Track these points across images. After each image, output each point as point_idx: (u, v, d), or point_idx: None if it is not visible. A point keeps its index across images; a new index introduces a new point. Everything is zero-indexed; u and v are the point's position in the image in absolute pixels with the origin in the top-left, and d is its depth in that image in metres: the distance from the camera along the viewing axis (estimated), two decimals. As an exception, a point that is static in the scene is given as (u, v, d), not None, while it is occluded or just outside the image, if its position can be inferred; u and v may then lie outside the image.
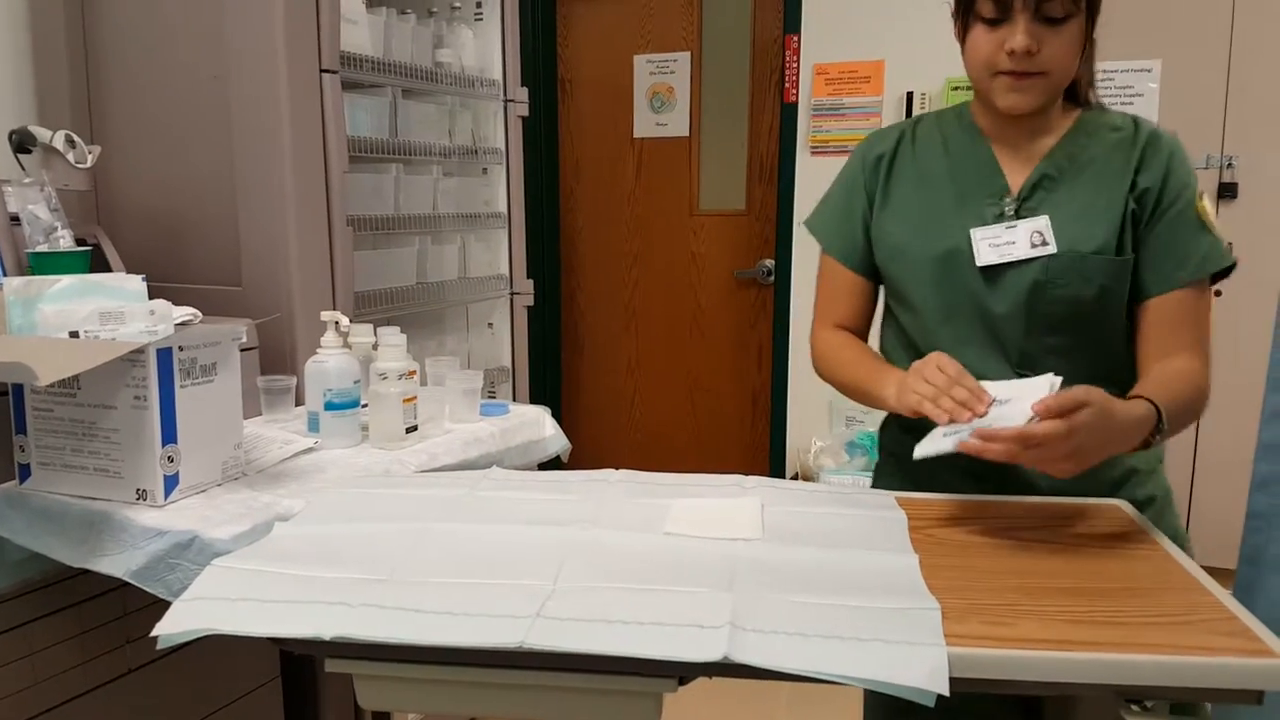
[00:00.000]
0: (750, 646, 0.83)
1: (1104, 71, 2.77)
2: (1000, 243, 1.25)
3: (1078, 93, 1.30)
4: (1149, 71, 2.71)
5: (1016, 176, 1.28)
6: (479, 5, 2.48)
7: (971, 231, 1.26)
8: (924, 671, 0.80)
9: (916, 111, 2.87)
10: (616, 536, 1.08)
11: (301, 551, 1.05)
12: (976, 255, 1.26)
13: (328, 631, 0.87)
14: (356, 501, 1.21)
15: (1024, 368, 1.26)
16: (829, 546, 1.06)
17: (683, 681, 0.87)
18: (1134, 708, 0.91)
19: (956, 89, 2.84)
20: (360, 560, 1.01)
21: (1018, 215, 1.26)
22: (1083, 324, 1.24)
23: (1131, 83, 2.74)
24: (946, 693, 0.79)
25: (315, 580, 0.96)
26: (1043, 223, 1.24)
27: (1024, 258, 1.23)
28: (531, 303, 2.64)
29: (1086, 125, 1.28)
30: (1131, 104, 2.75)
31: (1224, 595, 0.96)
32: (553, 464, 1.68)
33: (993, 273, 1.26)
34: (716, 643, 0.83)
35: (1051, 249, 1.22)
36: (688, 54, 3.44)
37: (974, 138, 1.31)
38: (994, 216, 1.26)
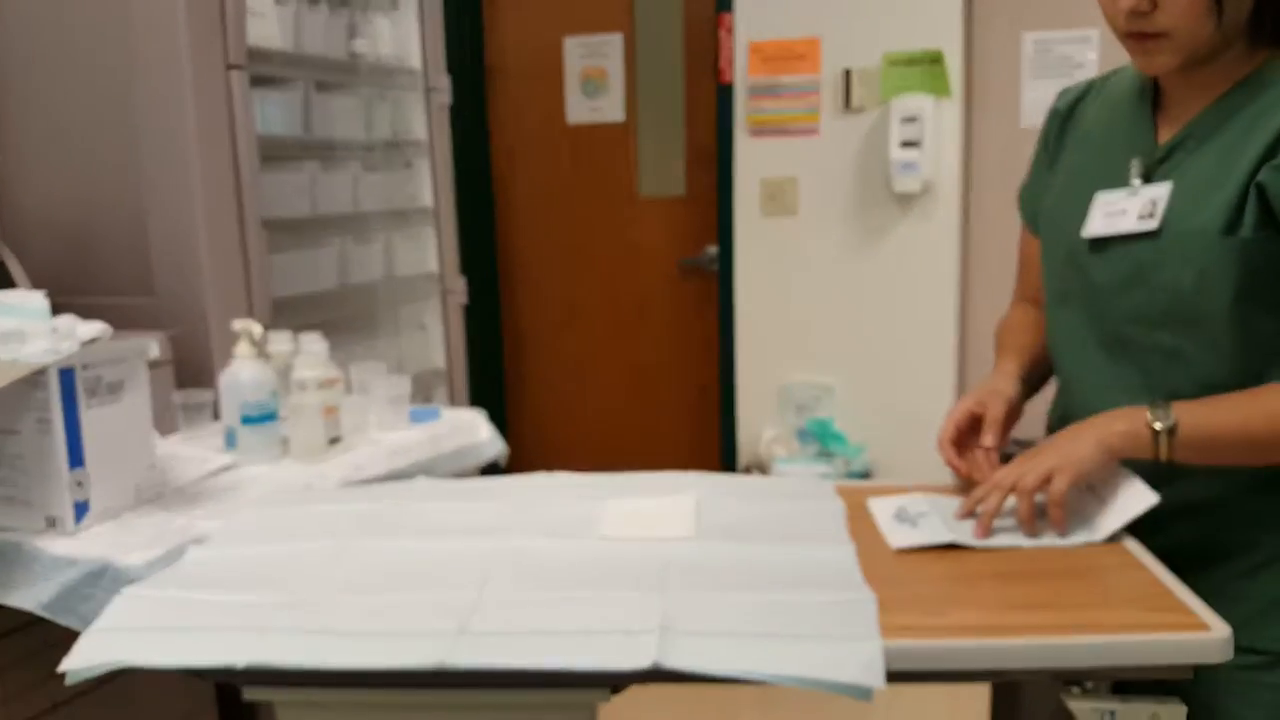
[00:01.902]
0: (681, 650, 0.81)
1: (1042, 42, 2.78)
2: (1114, 211, 1.07)
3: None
4: (1088, 40, 2.73)
5: (1170, 135, 1.09)
6: (394, -9, 2.42)
7: (1097, 194, 1.10)
8: (859, 667, 0.79)
9: (856, 90, 2.86)
10: (546, 543, 1.05)
11: (215, 576, 1.01)
12: (1087, 222, 1.09)
13: (241, 659, 0.83)
14: (273, 521, 1.18)
15: (1129, 365, 1.08)
16: (765, 541, 1.04)
17: (616, 690, 0.85)
18: (1074, 689, 0.90)
19: (894, 64, 2.83)
20: (275, 583, 0.97)
21: (1148, 180, 1.08)
22: (1183, 321, 1.03)
23: (1071, 53, 2.76)
24: (882, 686, 0.78)
25: (228, 606, 0.93)
26: (1161, 191, 1.05)
27: (1128, 231, 1.05)
28: (465, 301, 2.59)
29: (1270, 72, 1.04)
30: (1071, 75, 2.77)
31: (1160, 569, 0.96)
32: (492, 469, 1.64)
33: (1099, 246, 1.09)
34: (646, 649, 0.81)
35: (1154, 224, 1.03)
36: (619, 35, 3.39)
37: (1144, 89, 1.12)
38: (1128, 179, 1.09)
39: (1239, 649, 0.96)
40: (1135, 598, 0.90)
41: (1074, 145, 1.19)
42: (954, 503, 1.10)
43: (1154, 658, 0.84)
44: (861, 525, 1.09)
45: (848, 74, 2.87)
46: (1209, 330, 1.02)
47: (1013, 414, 1.17)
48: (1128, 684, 0.89)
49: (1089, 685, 0.91)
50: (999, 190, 2.88)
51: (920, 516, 1.08)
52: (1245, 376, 1.02)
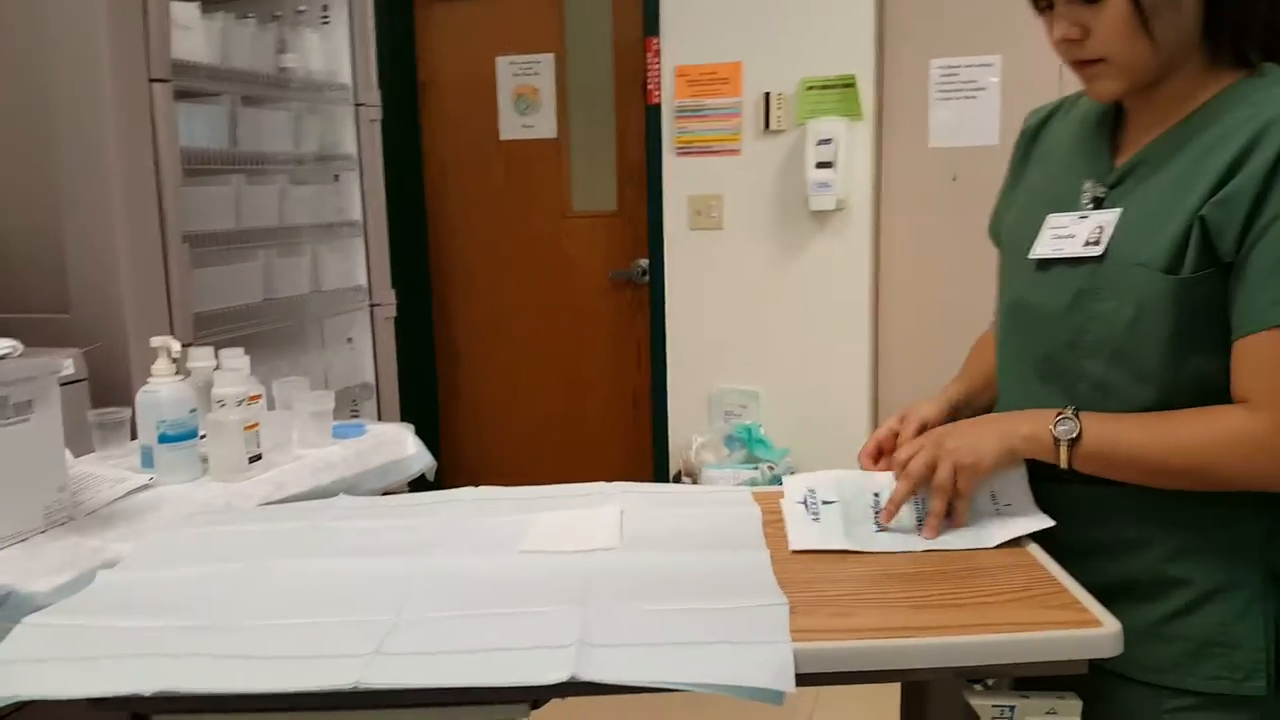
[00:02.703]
0: (598, 663, 0.82)
1: (948, 67, 2.87)
2: (1063, 234, 1.05)
3: (1241, 52, 1.00)
4: (990, 66, 2.83)
5: (1125, 160, 1.06)
6: (325, 8, 2.41)
7: (1048, 215, 1.08)
8: (770, 671, 0.81)
9: (775, 113, 2.93)
10: (467, 560, 1.05)
11: (125, 601, 0.99)
12: (1036, 243, 1.07)
13: (148, 687, 0.81)
14: (189, 542, 1.15)
15: (1059, 393, 1.06)
16: (685, 549, 1.06)
17: (536, 705, 0.86)
18: (976, 687, 0.93)
19: (810, 88, 2.90)
20: (188, 606, 0.96)
21: (1100, 205, 1.05)
22: (1116, 353, 1.01)
23: (974, 77, 2.86)
24: (793, 690, 0.80)
25: (138, 631, 0.91)
26: (1109, 218, 1.02)
27: (1072, 255, 1.03)
28: (394, 314, 2.58)
29: (1229, 98, 1.00)
30: (975, 98, 2.86)
31: (1054, 567, 0.99)
32: (420, 483, 1.63)
33: (1044, 267, 1.07)
34: (564, 663, 0.81)
35: (1097, 251, 1.01)
36: (551, 55, 3.41)
37: (1108, 111, 1.10)
38: (1080, 202, 1.07)
39: (1170, 691, 1.00)
40: (1033, 596, 0.92)
41: (1037, 164, 1.17)
42: (861, 485, 1.13)
43: (1050, 654, 0.86)
44: (778, 530, 1.11)
45: (767, 97, 2.94)
46: (1141, 364, 1.00)
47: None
48: (1029, 680, 0.92)
49: (990, 683, 0.95)
50: (908, 208, 2.97)
51: (825, 507, 1.11)
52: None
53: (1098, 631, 0.86)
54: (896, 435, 1.17)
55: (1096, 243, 1.01)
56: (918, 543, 1.05)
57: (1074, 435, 0.99)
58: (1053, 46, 1.02)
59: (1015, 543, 1.04)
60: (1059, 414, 1.00)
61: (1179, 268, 0.96)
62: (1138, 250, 0.99)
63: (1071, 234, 1.04)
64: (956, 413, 1.20)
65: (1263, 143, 0.94)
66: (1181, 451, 0.97)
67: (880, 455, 1.17)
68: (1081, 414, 1.00)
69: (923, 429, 1.15)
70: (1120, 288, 1.00)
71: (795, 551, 1.05)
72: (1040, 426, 1.01)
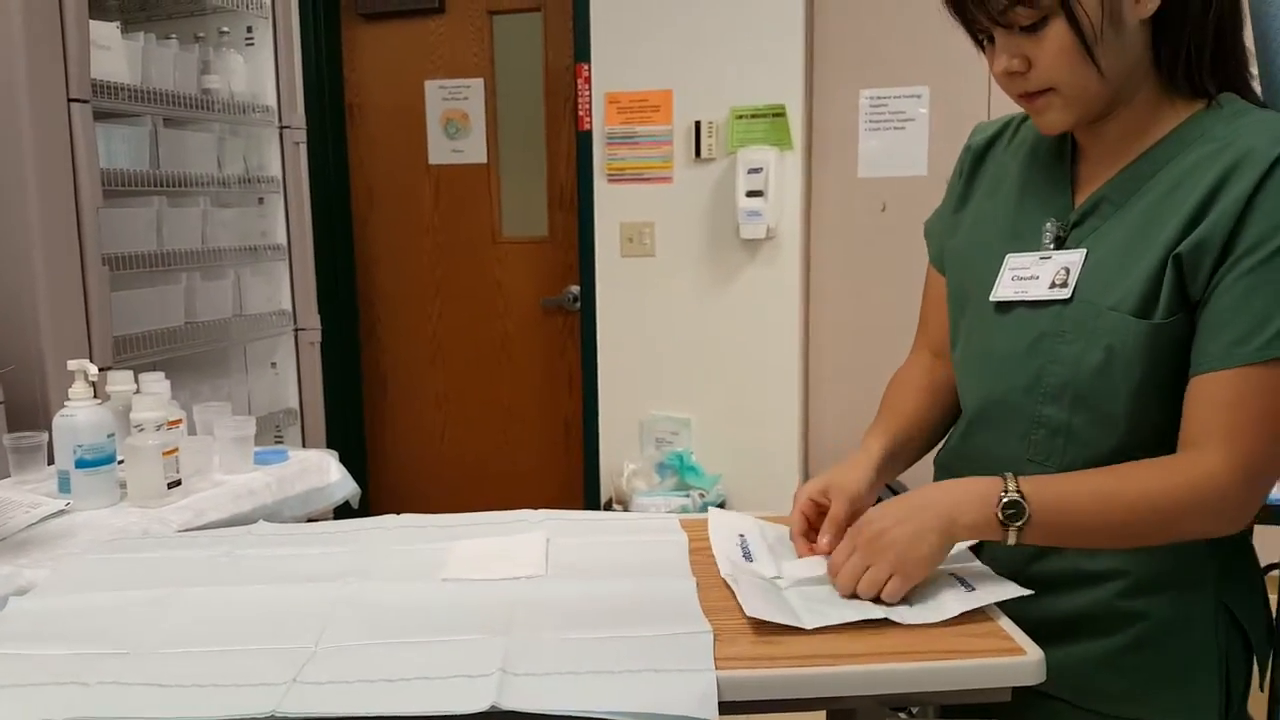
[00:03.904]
0: (519, 691, 0.82)
1: (877, 98, 2.95)
2: (1025, 275, 1.02)
3: (1195, 82, 0.97)
4: (919, 97, 2.91)
5: (1086, 195, 1.03)
6: (249, 30, 2.38)
7: (1008, 256, 1.05)
8: (692, 699, 0.81)
9: (705, 141, 2.97)
10: (388, 588, 1.04)
11: (37, 629, 0.96)
12: (997, 285, 1.04)
13: (59, 715, 0.80)
14: (105, 568, 1.13)
15: (1013, 437, 1.04)
16: (610, 577, 1.06)
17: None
18: (901, 715, 0.95)
19: (741, 117, 2.95)
20: (101, 634, 0.94)
21: (1061, 244, 1.02)
22: (1078, 397, 0.98)
23: (903, 108, 2.94)
24: (715, 718, 0.80)
25: (49, 660, 0.89)
26: (1074, 259, 0.99)
27: (1038, 298, 1.00)
28: (320, 339, 2.55)
29: (1191, 131, 0.97)
30: (904, 128, 2.94)
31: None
32: (344, 510, 1.61)
33: (1004, 309, 1.04)
34: (485, 692, 0.81)
35: (1065, 294, 0.98)
36: (480, 80, 3.42)
37: (1063, 143, 1.06)
38: (1040, 242, 1.04)
39: None
40: (957, 624, 0.93)
41: (986, 190, 1.13)
42: (789, 550, 1.09)
43: (974, 682, 0.87)
44: (704, 558, 1.11)
45: (697, 125, 2.99)
46: (1107, 409, 0.97)
47: (861, 507, 1.07)
48: (955, 708, 0.94)
49: (915, 710, 0.96)
50: (837, 237, 3.04)
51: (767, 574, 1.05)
52: (1132, 458, 0.96)
53: (1021, 659, 0.87)
54: (819, 506, 1.09)
55: (1064, 284, 0.98)
56: (873, 610, 0.96)
57: (1022, 522, 0.92)
58: (996, 80, 0.99)
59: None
60: (1003, 490, 0.93)
61: (1152, 311, 0.93)
62: (1107, 293, 0.96)
63: (1035, 275, 1.01)
64: (882, 474, 1.11)
65: (1232, 180, 0.90)
66: (1141, 508, 0.93)
67: (809, 528, 1.10)
68: (1025, 485, 0.93)
69: (856, 505, 1.07)
70: (1089, 331, 0.96)
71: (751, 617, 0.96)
72: (985, 512, 0.93)
